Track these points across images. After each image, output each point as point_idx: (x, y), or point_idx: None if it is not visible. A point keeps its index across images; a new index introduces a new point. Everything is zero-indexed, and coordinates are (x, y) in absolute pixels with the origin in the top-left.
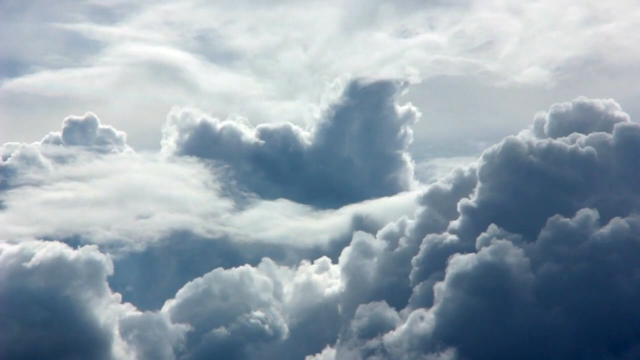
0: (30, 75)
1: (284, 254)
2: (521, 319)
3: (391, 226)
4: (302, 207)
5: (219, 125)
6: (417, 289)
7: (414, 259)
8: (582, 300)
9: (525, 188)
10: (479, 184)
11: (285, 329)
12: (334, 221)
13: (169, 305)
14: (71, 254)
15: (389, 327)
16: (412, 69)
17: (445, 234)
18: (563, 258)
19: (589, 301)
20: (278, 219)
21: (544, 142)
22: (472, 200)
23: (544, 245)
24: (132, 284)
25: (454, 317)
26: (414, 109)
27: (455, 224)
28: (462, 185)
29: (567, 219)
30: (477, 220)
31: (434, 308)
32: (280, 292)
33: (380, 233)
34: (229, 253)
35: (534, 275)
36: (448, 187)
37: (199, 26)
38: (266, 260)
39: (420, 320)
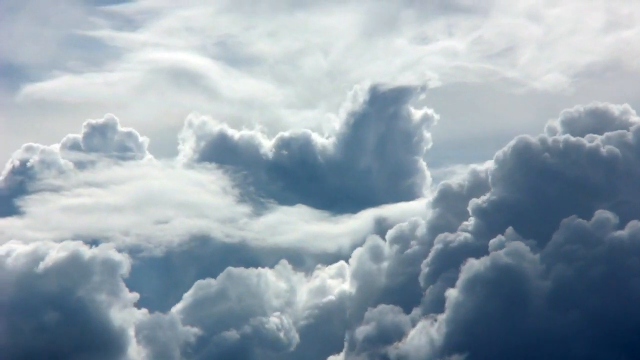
0: (50, 80)
1: (302, 258)
2: (534, 324)
3: (402, 226)
4: (320, 212)
5: (237, 135)
6: (427, 292)
7: (425, 261)
8: (598, 305)
9: (539, 188)
10: (491, 184)
11: (297, 337)
12: (352, 225)
13: (179, 306)
14: (87, 252)
15: (398, 332)
16: (431, 73)
17: (458, 233)
18: (578, 261)
19: (605, 306)
20: (296, 223)
21: (560, 139)
22: (483, 200)
23: (558, 247)
24: (151, 288)
25: (466, 323)
26: (430, 112)
27: (467, 224)
28: (477, 186)
29: (583, 221)
30: (488, 221)
31: (445, 315)
32: (293, 296)
33: (390, 233)
34: (247, 257)
35: (548, 278)
36: (461, 186)
37: (220, 32)
38: (283, 262)
39: (431, 326)
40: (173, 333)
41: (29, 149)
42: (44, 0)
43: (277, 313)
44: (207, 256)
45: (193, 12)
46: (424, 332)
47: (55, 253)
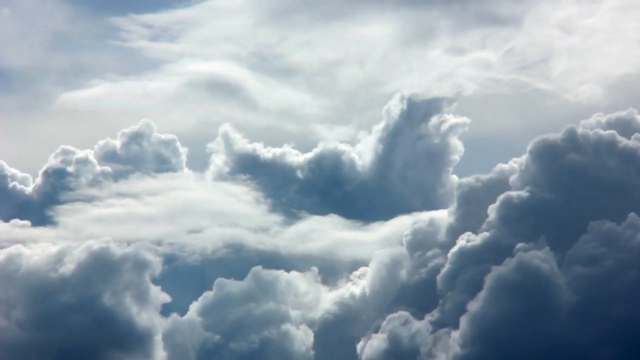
0: (87, 89)
1: (334, 265)
2: (557, 334)
3: (420, 225)
4: (352, 222)
5: (270, 152)
6: (446, 296)
7: (445, 264)
8: (626, 315)
9: (567, 188)
10: (516, 183)
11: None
12: (384, 232)
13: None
14: (118, 251)
15: (414, 339)
16: (465, 81)
17: (478, 235)
18: (606, 266)
19: (633, 316)
20: (328, 231)
21: (591, 136)
22: (507, 200)
23: (584, 251)
24: (184, 295)
25: (487, 332)
26: (462, 120)
27: (489, 223)
28: (500, 185)
29: (613, 224)
30: (511, 222)
31: (465, 322)
32: (317, 303)
33: (407, 233)
34: (279, 264)
35: (573, 284)
36: (484, 185)
37: (257, 42)
38: (313, 269)
39: (448, 338)
40: (192, 337)
41: (65, 153)
42: (82, 11)
43: (303, 326)
44: (240, 263)
45: (230, 22)
46: (442, 342)
47: (85, 250)
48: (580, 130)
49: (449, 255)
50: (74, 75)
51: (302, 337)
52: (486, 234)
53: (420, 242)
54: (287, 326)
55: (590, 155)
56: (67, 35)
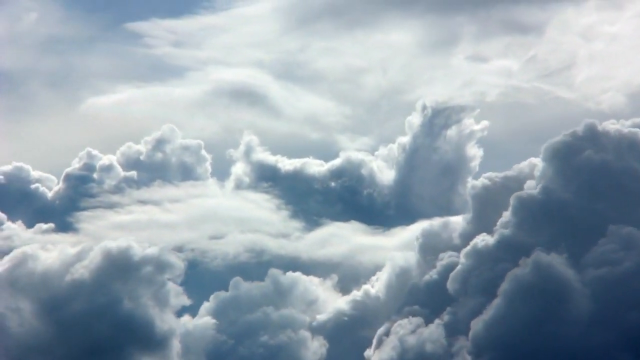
0: (113, 95)
1: (355, 269)
2: (572, 341)
3: (432, 227)
4: (373, 228)
5: (291, 165)
6: (458, 297)
7: (457, 267)
8: None
9: (586, 189)
10: (533, 183)
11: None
12: (405, 237)
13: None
14: (139, 251)
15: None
16: (487, 89)
17: (491, 237)
18: (625, 273)
19: None
20: (348, 237)
21: (612, 132)
22: (522, 201)
23: (602, 257)
24: (206, 299)
25: (499, 336)
26: (482, 126)
27: (504, 222)
28: (517, 184)
29: (632, 229)
30: (525, 222)
31: (478, 326)
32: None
33: (420, 233)
34: (300, 269)
35: (588, 290)
36: (500, 185)
37: (282, 49)
38: (333, 277)
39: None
40: (204, 339)
41: (90, 156)
42: (107, 17)
43: (321, 338)
44: (261, 268)
45: (254, 29)
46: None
47: (106, 250)
48: (600, 127)
49: (462, 255)
50: (100, 80)
51: (316, 346)
52: (503, 232)
53: (432, 245)
54: (301, 332)
55: (611, 153)
56: (93, 40)
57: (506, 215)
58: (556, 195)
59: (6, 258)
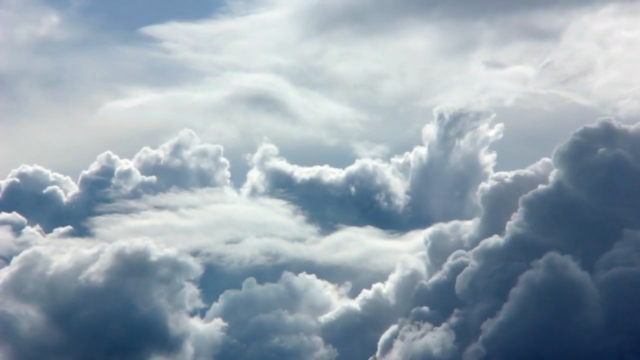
0: (131, 99)
1: (369, 273)
2: (588, 344)
3: (442, 229)
4: (388, 232)
5: (307, 175)
6: (467, 299)
7: (466, 268)
8: None
9: (601, 190)
10: (545, 183)
11: None
12: (419, 241)
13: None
14: (156, 252)
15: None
16: (503, 95)
17: (502, 238)
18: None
19: None
20: (363, 240)
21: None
22: (534, 202)
23: (616, 261)
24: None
25: (510, 340)
26: (497, 130)
27: (516, 223)
28: (528, 185)
29: None
30: (537, 222)
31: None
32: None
33: (428, 235)
34: (315, 273)
35: (604, 293)
36: (511, 185)
37: (300, 54)
38: (347, 284)
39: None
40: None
41: (109, 160)
42: (125, 20)
43: (331, 346)
44: (277, 271)
45: (272, 34)
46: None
47: (122, 250)
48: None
49: (471, 255)
50: (119, 84)
51: (325, 353)
52: (515, 230)
53: (442, 247)
54: (313, 337)
55: (628, 150)
56: (112, 44)
57: (518, 215)
58: (569, 195)
59: (15, 259)
